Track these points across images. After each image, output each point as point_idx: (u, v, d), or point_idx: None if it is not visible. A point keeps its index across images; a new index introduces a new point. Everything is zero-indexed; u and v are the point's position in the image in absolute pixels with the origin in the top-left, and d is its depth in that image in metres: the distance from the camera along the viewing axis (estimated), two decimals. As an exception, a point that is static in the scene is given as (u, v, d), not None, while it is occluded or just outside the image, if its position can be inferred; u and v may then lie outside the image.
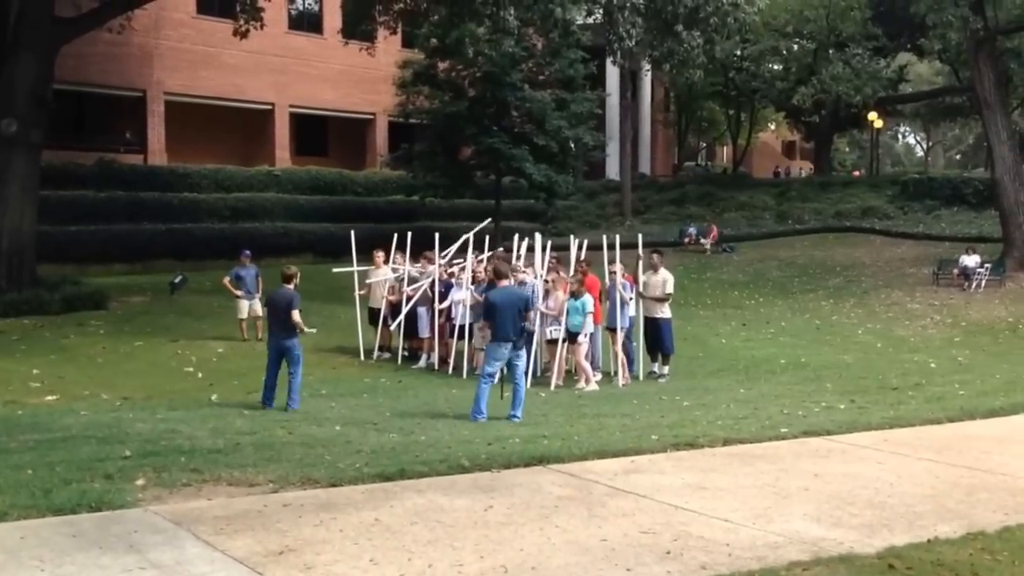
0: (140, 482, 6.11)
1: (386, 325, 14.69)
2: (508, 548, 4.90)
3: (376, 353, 14.62)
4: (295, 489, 6.02)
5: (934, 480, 6.62)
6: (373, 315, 15.00)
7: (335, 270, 15.37)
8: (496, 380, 9.79)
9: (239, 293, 15.61)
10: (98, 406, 10.70)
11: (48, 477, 6.19)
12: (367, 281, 14.74)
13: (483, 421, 9.23)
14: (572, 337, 12.41)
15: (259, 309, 15.44)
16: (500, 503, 5.77)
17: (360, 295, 14.61)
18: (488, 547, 4.91)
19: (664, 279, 13.25)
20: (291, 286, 10.54)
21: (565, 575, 4.54)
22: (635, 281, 13.21)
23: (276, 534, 5.04)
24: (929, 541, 5.02)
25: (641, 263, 13.44)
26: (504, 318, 9.51)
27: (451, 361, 13.90)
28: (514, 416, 9.43)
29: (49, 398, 11.31)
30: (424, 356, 14.31)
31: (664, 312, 13.26)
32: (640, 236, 13.89)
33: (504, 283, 10.04)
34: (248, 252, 16.45)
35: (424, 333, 14.23)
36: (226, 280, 15.92)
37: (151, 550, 4.73)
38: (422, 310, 14.07)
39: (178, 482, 6.14)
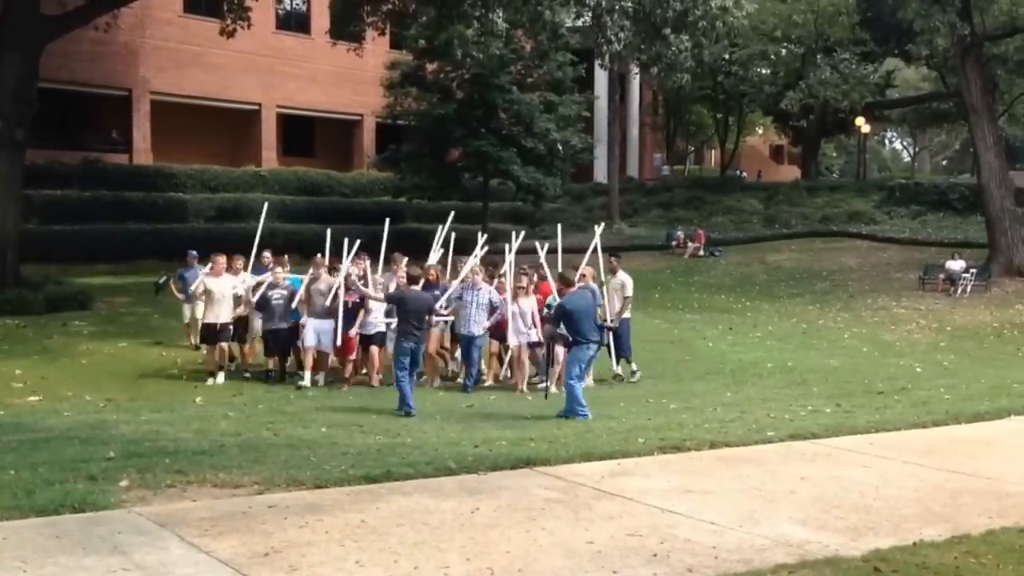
0: (124, 483, 6.08)
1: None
2: (494, 550, 4.91)
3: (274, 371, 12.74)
4: (280, 491, 6.00)
5: (919, 484, 6.67)
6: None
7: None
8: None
9: (181, 296, 14.68)
10: (81, 407, 10.65)
11: (31, 478, 6.15)
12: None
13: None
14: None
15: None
16: (487, 505, 5.78)
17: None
18: (474, 549, 4.91)
19: (623, 282, 13.14)
20: (418, 287, 10.96)
21: (551, 577, 4.55)
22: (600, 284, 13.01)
23: (261, 536, 5.02)
24: (914, 544, 5.06)
25: (601, 265, 13.34)
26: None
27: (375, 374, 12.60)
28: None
29: (32, 398, 11.25)
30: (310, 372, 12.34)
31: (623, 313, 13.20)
32: (598, 239, 13.35)
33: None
34: (195, 253, 15.30)
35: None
36: (170, 282, 15.14)
37: (135, 551, 4.71)
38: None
39: (162, 483, 6.11)
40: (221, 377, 12.39)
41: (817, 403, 10.59)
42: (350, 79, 32.32)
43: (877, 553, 4.88)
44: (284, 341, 12.66)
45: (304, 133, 34.61)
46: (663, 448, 7.71)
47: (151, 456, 7.18)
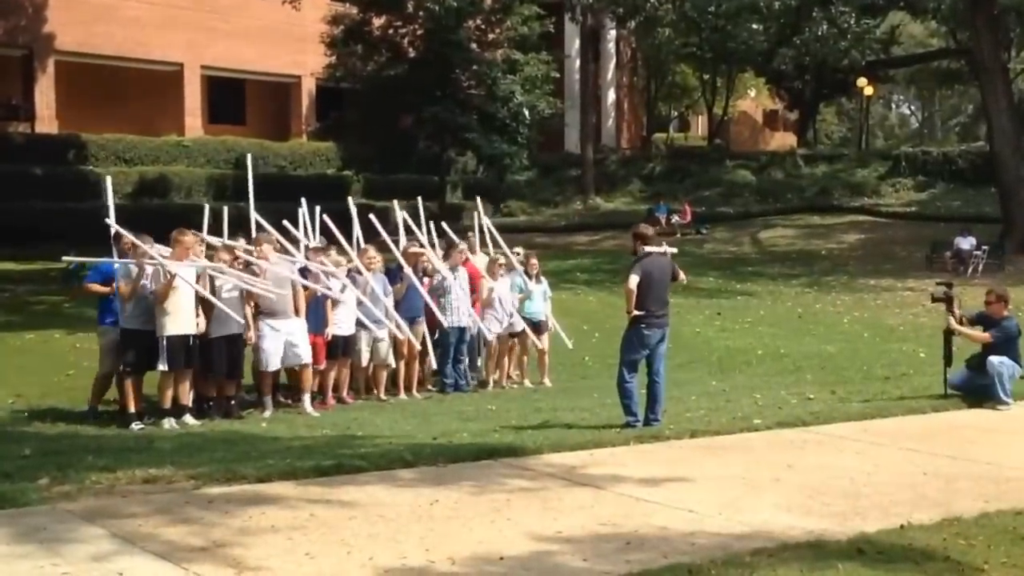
0: (44, 481, 6.24)
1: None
2: (456, 541, 5.18)
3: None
4: (220, 485, 6.22)
5: (914, 469, 7.06)
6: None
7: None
8: None
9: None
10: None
11: (-63, 479, 6.29)
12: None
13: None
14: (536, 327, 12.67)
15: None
16: (447, 497, 6.05)
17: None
18: (434, 540, 5.18)
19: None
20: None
21: (517, 565, 4.84)
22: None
23: (201, 528, 5.26)
24: (902, 527, 5.42)
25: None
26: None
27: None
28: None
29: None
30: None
31: None
32: (485, 220, 13.23)
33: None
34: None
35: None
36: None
37: (63, 547, 4.91)
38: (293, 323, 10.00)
39: (87, 479, 6.27)
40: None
41: (810, 391, 11.01)
42: (286, 36, 32.28)
43: (863, 536, 5.24)
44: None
45: (233, 97, 34.52)
46: (640, 438, 8.06)
47: (72, 453, 7.36)
